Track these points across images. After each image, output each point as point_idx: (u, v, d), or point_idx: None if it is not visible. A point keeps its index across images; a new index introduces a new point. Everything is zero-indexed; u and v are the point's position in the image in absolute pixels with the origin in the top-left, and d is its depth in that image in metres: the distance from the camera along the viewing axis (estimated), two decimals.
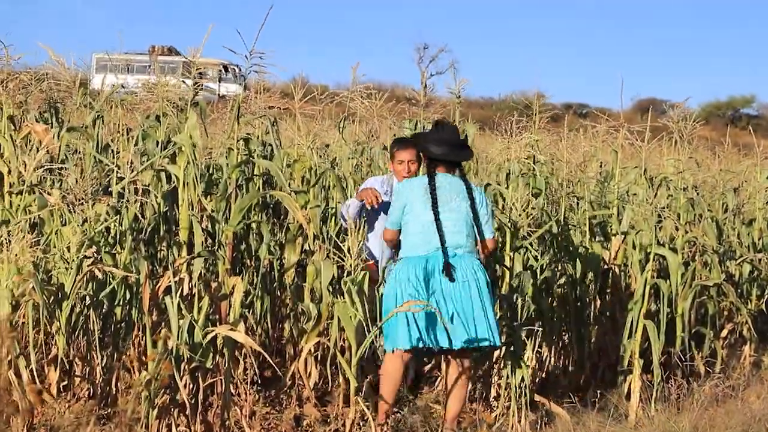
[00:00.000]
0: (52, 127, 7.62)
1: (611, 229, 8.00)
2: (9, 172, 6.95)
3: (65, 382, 6.27)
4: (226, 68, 28.58)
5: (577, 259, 7.69)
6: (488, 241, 6.40)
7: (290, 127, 9.33)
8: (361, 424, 6.01)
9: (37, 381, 5.55)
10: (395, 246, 6.54)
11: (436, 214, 6.27)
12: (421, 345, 6.10)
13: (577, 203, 8.31)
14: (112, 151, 7.60)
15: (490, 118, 16.63)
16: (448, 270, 6.12)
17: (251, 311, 7.62)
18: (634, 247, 7.46)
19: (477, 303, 6.14)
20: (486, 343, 6.11)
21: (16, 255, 5.79)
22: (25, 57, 8.52)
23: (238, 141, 7.01)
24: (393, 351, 6.15)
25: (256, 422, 6.47)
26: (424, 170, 6.53)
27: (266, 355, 6.05)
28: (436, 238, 6.23)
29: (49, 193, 6.52)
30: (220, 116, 10.01)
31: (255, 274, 7.80)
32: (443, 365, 6.41)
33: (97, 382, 6.26)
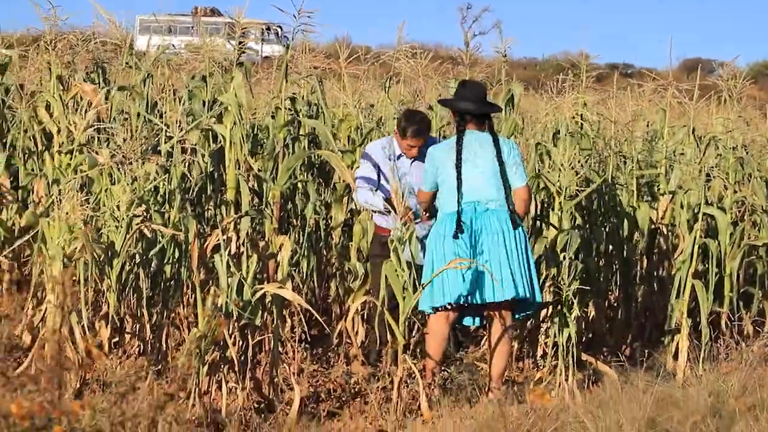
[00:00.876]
0: (99, 88, 7.67)
1: (659, 189, 7.94)
2: (58, 131, 7.02)
3: (116, 339, 6.36)
4: (268, 29, 28.59)
5: (625, 219, 7.65)
6: (519, 191, 6.34)
7: (335, 87, 9.34)
8: (408, 382, 6.04)
9: (90, 339, 5.64)
10: (428, 208, 6.58)
11: (459, 171, 6.28)
12: (460, 302, 6.13)
13: (625, 163, 8.25)
14: (158, 110, 7.66)
15: (534, 79, 16.57)
16: (459, 228, 6.16)
17: (297, 271, 7.67)
18: (681, 207, 7.41)
19: (513, 257, 6.16)
20: (523, 297, 6.13)
21: (67, 214, 5.86)
22: (71, 18, 8.54)
23: (284, 100, 7.01)
24: (435, 311, 6.18)
25: (304, 379, 6.52)
26: (454, 123, 6.52)
27: (314, 313, 6.10)
28: (461, 195, 6.25)
29: (98, 153, 6.58)
30: (266, 76, 10.00)
31: (301, 233, 7.84)
32: (487, 324, 6.42)
33: (147, 339, 6.33)
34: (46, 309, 5.90)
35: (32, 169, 7.58)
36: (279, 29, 28.84)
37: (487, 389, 6.18)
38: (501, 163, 6.33)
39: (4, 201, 7.14)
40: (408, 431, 5.65)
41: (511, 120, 7.75)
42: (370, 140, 8.04)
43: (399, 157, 6.92)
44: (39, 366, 5.70)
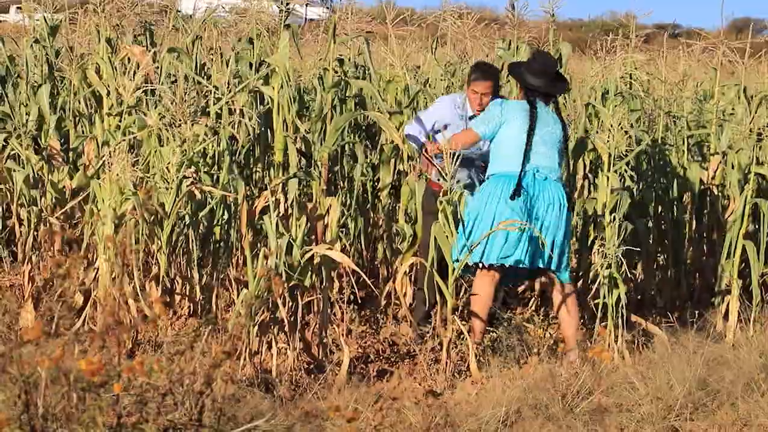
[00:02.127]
0: (147, 50, 7.68)
1: (709, 149, 7.85)
2: (108, 94, 7.05)
3: (167, 300, 6.40)
4: None
5: (674, 180, 7.58)
6: None
7: (381, 49, 9.30)
8: (457, 343, 6.05)
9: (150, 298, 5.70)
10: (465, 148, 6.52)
11: (530, 137, 6.27)
12: (510, 263, 6.15)
13: (675, 123, 8.16)
14: (205, 73, 7.66)
15: (580, 40, 16.40)
16: (518, 191, 6.17)
17: (345, 232, 7.68)
18: (732, 167, 7.32)
19: (560, 231, 6.25)
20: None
21: (117, 175, 5.91)
22: None
23: (332, 62, 7.00)
24: (482, 268, 6.19)
25: (353, 340, 6.56)
26: (522, 96, 6.47)
27: (362, 275, 6.11)
28: (525, 160, 6.24)
29: (147, 115, 6.60)
30: (313, 39, 9.99)
31: (349, 195, 7.85)
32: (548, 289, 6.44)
33: (197, 300, 6.38)
34: (98, 270, 5.96)
35: (82, 132, 7.63)
36: None
37: (564, 351, 6.17)
38: (566, 140, 6.46)
39: (55, 163, 7.21)
40: (457, 391, 5.67)
41: None
42: (417, 102, 8.02)
43: (470, 117, 6.87)
44: (92, 326, 5.79)
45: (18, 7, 11.60)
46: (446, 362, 5.88)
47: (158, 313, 3.00)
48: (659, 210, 7.63)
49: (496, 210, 6.17)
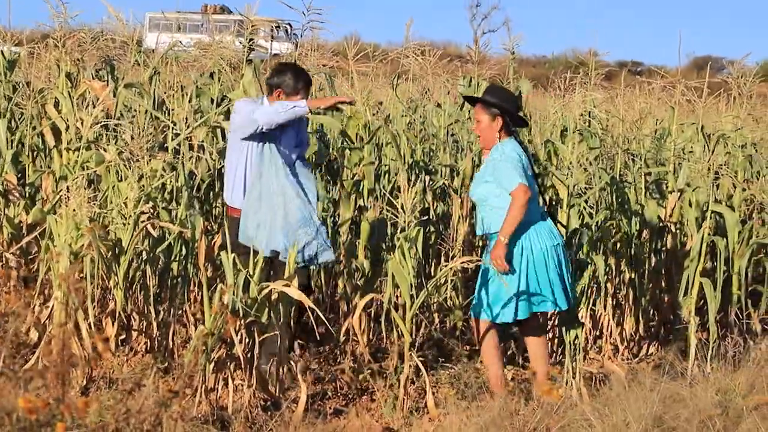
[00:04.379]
0: (107, 85, 7.67)
1: (667, 187, 7.92)
2: (66, 128, 7.02)
3: (123, 336, 6.36)
4: (277, 26, 28.60)
5: (633, 217, 7.63)
6: None
7: (344, 85, 9.33)
8: (414, 378, 6.03)
9: (95, 335, 5.63)
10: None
11: (537, 176, 6.28)
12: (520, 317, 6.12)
13: (633, 160, 8.23)
14: (166, 108, 7.66)
15: (542, 76, 16.54)
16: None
17: None
18: (690, 205, 7.39)
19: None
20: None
21: (74, 210, 5.86)
22: (80, 15, 8.55)
23: None
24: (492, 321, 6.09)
25: (310, 377, 6.52)
26: (500, 133, 6.18)
27: (319, 313, 6.08)
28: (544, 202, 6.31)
29: (105, 150, 6.58)
30: None
31: None
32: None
33: (154, 336, 6.33)
34: (53, 306, 5.90)
35: (40, 166, 7.58)
36: (288, 27, 28.86)
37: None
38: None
39: (11, 198, 7.15)
40: (414, 429, 5.65)
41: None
42: (378, 138, 8.04)
43: None
44: (46, 363, 5.73)
45: None
46: (404, 399, 5.86)
47: (103, 350, 2.96)
48: (617, 247, 7.67)
49: (547, 262, 6.09)
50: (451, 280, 7.47)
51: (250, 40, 7.36)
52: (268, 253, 6.09)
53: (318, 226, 6.23)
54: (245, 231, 6.21)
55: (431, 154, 8.58)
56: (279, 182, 6.21)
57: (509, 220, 5.90)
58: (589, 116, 8.11)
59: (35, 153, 7.70)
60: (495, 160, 6.07)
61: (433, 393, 5.87)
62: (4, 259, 6.86)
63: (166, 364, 6.08)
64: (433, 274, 7.49)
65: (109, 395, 3.27)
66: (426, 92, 9.67)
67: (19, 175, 7.51)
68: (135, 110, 7.70)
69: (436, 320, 7.47)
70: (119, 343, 6.29)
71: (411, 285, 5.99)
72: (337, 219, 7.75)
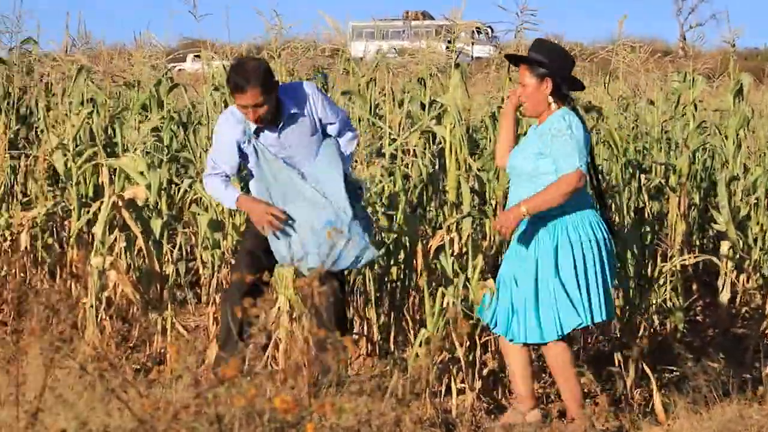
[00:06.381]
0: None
1: None
2: None
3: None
4: (478, 30, 28.65)
5: None
6: None
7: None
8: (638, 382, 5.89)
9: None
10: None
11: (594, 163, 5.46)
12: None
13: None
14: (377, 114, 7.77)
15: (757, 69, 15.93)
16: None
17: None
18: None
19: None
20: None
21: None
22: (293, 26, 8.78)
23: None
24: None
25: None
26: (552, 97, 5.27)
27: None
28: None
29: None
30: (483, 77, 10.04)
31: None
32: None
33: (375, 340, 6.42)
34: (279, 310, 6.06)
35: None
36: (489, 30, 28.86)
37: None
38: None
39: None
40: None
41: (741, 112, 7.47)
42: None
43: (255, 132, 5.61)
44: (273, 366, 5.89)
45: (195, 56, 12.03)
46: (631, 403, 5.75)
47: (350, 352, 3.01)
48: None
49: (608, 259, 5.30)
50: (670, 281, 7.27)
51: (456, 44, 7.39)
52: (305, 272, 5.42)
53: (348, 223, 5.49)
54: (278, 251, 5.59)
55: (644, 152, 8.38)
56: (291, 192, 5.56)
57: (546, 199, 5.05)
58: None
59: None
60: (560, 132, 5.10)
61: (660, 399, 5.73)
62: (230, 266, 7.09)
63: (386, 368, 6.15)
64: (650, 275, 7.31)
65: (346, 397, 3.32)
66: (637, 90, 9.47)
67: None
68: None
69: (656, 322, 7.28)
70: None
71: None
72: None
